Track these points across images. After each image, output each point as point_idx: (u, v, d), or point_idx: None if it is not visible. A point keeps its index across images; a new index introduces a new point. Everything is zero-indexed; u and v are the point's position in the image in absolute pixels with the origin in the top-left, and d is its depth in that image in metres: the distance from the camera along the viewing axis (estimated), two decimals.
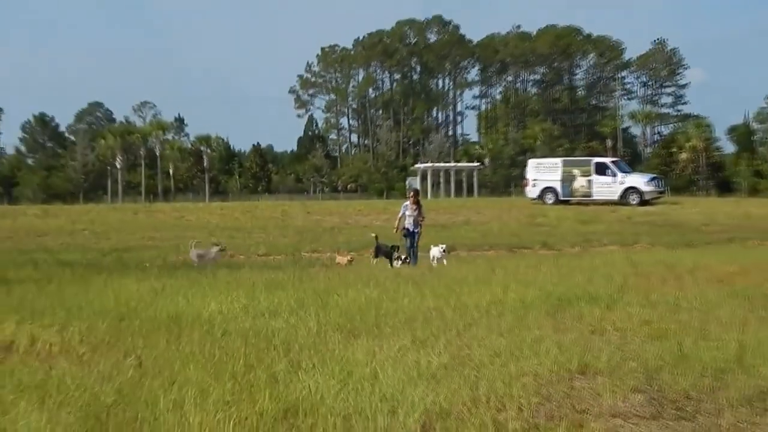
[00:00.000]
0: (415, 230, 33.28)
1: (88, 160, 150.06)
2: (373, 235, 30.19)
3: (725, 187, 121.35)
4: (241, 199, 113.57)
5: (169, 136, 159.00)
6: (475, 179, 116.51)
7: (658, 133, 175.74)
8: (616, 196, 71.75)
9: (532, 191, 76.07)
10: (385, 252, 32.18)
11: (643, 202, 70.76)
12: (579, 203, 71.00)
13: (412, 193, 35.16)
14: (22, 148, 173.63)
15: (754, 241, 41.64)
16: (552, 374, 11.95)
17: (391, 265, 27.50)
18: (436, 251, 31.62)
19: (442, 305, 18.10)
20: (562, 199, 73.25)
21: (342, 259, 31.60)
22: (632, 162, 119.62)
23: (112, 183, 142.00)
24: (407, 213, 33.41)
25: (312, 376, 11.48)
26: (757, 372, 11.76)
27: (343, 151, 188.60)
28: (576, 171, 75.89)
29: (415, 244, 33.42)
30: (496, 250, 36.33)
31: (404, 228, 33.45)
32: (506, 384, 11.13)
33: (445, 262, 30.52)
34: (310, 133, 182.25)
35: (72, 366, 12.51)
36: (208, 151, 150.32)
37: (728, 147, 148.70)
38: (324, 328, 15.59)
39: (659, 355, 12.86)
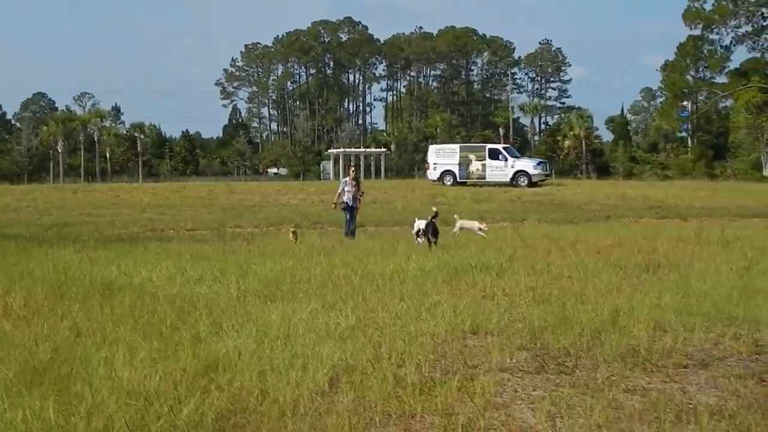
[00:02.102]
0: (354, 205, 32.21)
1: (32, 145, 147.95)
2: (434, 210, 26.52)
3: (604, 171, 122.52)
4: (172, 180, 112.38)
5: (107, 123, 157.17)
6: (382, 163, 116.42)
7: (545, 122, 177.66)
8: (507, 179, 72.02)
9: (432, 174, 76.11)
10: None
11: (531, 184, 71.11)
12: (474, 185, 71.15)
13: (351, 170, 34.38)
14: None
15: (629, 219, 42.09)
16: (447, 334, 11.99)
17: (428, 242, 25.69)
18: (473, 225, 30.13)
19: (350, 274, 18.10)
20: (459, 181, 73.34)
21: (291, 234, 29.69)
22: (522, 148, 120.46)
23: (54, 165, 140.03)
24: (346, 189, 32.28)
25: (231, 337, 11.40)
26: (629, 332, 11.89)
27: (264, 137, 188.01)
28: (472, 156, 76.07)
29: (354, 217, 32.41)
30: (401, 226, 36.26)
31: (343, 203, 32.32)
32: (406, 343, 11.13)
33: (483, 234, 29.09)
34: (234, 121, 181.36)
35: (13, 327, 12.31)
36: (142, 137, 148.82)
37: (606, 135, 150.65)
38: (244, 293, 15.54)
39: (543, 317, 12.95)
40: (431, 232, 25.28)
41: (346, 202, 32.05)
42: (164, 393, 8.63)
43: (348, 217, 32.18)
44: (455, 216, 30.44)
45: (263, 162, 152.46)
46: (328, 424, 7.86)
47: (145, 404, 8.24)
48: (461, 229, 29.74)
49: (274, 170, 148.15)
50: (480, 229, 29.09)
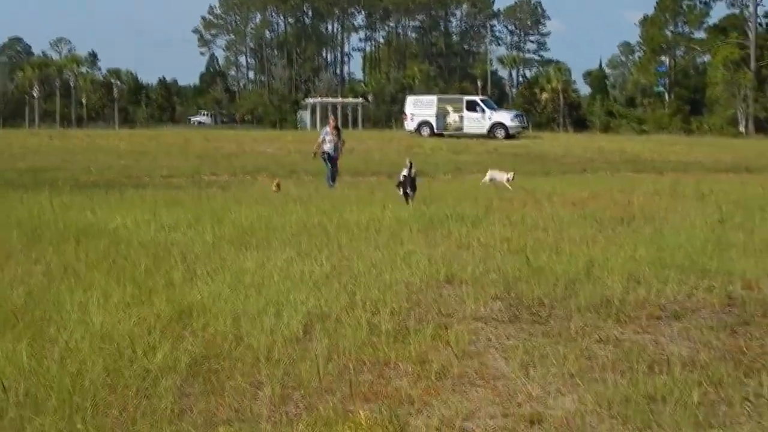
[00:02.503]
0: (335, 154, 31.69)
1: (8, 90, 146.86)
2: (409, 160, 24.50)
3: (581, 125, 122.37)
4: (148, 128, 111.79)
5: (83, 70, 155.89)
6: (359, 114, 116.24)
7: (523, 75, 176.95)
8: (484, 131, 72.00)
9: (410, 125, 75.96)
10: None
11: (509, 136, 71.14)
12: (451, 136, 71.07)
13: (331, 118, 33.89)
14: None
15: (605, 172, 42.19)
16: (422, 283, 12.00)
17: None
18: (501, 175, 29.72)
19: (326, 222, 18.08)
20: (436, 132, 73.27)
21: (274, 185, 28.96)
22: (500, 101, 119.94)
23: (30, 111, 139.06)
24: (327, 138, 31.74)
25: (206, 283, 11.39)
26: (603, 283, 11.92)
27: (241, 86, 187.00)
28: (449, 107, 75.98)
29: (336, 167, 31.93)
30: (378, 177, 36.25)
31: (324, 152, 31.78)
32: (381, 291, 11.14)
33: (508, 186, 28.68)
34: (211, 69, 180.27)
35: None
36: (118, 83, 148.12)
37: (584, 89, 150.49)
38: (218, 240, 15.51)
39: (518, 267, 12.96)
40: (409, 185, 23.23)
41: (327, 152, 31.52)
42: (138, 338, 8.62)
43: (329, 166, 31.74)
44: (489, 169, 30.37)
45: (240, 110, 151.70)
46: (302, 371, 7.86)
47: (118, 349, 8.22)
48: (491, 180, 29.46)
49: (198, 118, 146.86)
50: (507, 180, 28.84)
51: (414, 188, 23.29)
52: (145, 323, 9.18)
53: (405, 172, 23.37)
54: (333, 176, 31.56)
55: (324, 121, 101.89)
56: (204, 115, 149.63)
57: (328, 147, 31.45)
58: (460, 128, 73.69)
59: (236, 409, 7.05)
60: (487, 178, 29.59)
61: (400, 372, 8.11)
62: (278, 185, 28.71)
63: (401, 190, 23.36)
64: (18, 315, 9.36)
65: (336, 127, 32.40)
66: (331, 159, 31.56)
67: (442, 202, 22.59)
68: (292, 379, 7.72)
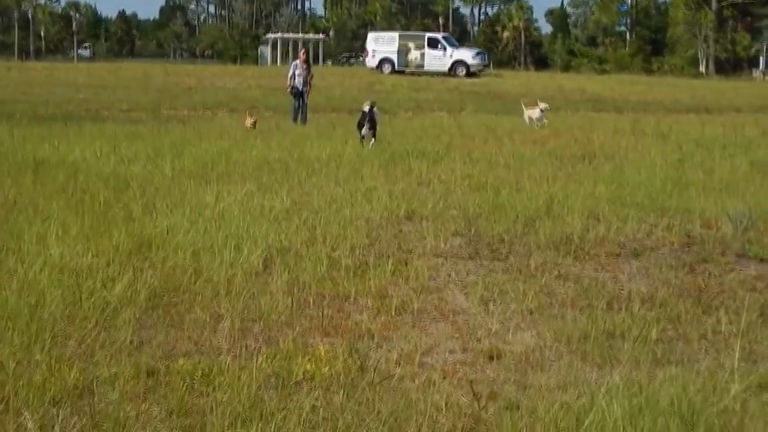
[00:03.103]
0: (304, 89, 30.59)
1: None
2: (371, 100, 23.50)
3: (542, 63, 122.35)
4: (107, 61, 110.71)
5: (41, 1, 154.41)
6: (320, 50, 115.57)
7: (485, 13, 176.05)
8: (445, 68, 71.73)
9: (371, 61, 75.62)
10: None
11: (470, 74, 70.94)
12: (413, 73, 70.84)
13: (302, 52, 33.12)
14: None
15: (565, 111, 42.17)
16: (382, 219, 12.02)
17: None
18: (535, 112, 28.41)
19: (286, 157, 18.03)
20: (398, 69, 73.00)
21: (247, 122, 26.93)
22: (461, 39, 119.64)
23: None
24: (297, 72, 30.70)
25: (165, 216, 11.32)
26: (562, 220, 11.99)
27: (202, 20, 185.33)
28: (411, 44, 75.61)
29: (305, 102, 30.93)
30: (338, 113, 36.09)
31: (293, 87, 30.81)
32: (341, 227, 11.14)
33: (545, 121, 28.04)
34: (171, 3, 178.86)
35: None
36: (77, 16, 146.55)
37: (546, 28, 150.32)
38: (178, 174, 15.41)
39: (478, 204, 12.99)
40: (368, 123, 21.47)
41: (296, 87, 30.70)
42: (97, 270, 8.57)
43: (297, 102, 30.94)
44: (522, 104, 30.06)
45: (200, 45, 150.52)
46: (262, 304, 7.86)
47: (77, 281, 8.16)
48: (529, 119, 28.57)
49: (81, 51, 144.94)
50: (542, 111, 28.28)
51: (374, 127, 21.65)
52: (104, 256, 9.12)
53: (366, 108, 21.97)
54: (303, 112, 30.81)
55: (285, 57, 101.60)
56: (86, 48, 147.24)
57: (297, 81, 30.62)
58: (422, 66, 73.44)
59: (196, 341, 7.04)
60: (525, 117, 28.81)
61: (359, 306, 8.13)
62: (254, 123, 26.87)
63: (359, 130, 21.72)
64: None
65: (306, 61, 31.54)
66: (300, 93, 30.73)
67: (403, 139, 22.53)
68: (252, 312, 7.72)
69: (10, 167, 15.60)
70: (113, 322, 7.23)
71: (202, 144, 20.16)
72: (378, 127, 22.00)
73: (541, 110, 28.07)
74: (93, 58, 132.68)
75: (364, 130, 21.40)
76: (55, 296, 7.61)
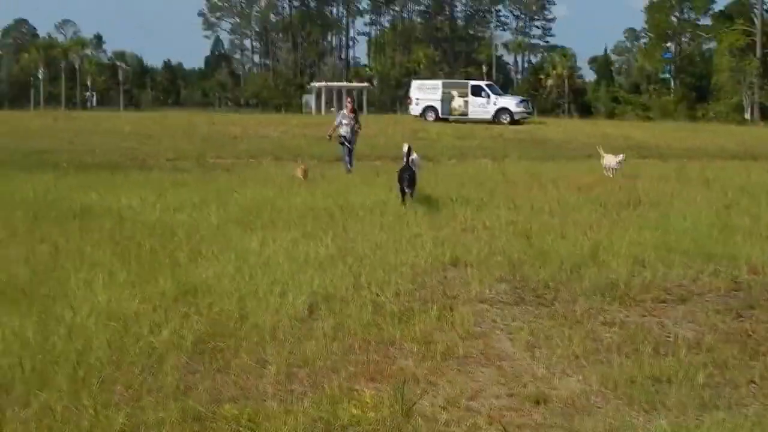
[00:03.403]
0: (352, 138, 29.95)
1: (13, 72, 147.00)
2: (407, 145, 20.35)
3: (586, 111, 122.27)
4: (153, 110, 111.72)
5: (88, 52, 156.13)
6: (364, 98, 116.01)
7: (528, 61, 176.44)
8: (489, 116, 71.69)
9: (415, 109, 75.64)
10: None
11: (514, 122, 70.81)
12: (456, 121, 70.91)
13: (349, 100, 32.70)
14: None
15: None
16: (427, 265, 12.03)
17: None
18: (612, 161, 27.46)
19: (331, 205, 18.09)
20: (441, 116, 73.07)
21: (297, 171, 25.71)
22: (505, 86, 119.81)
23: (35, 93, 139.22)
24: (344, 122, 30.03)
25: (211, 263, 11.40)
26: (608, 267, 11.95)
27: (246, 70, 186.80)
28: (454, 92, 75.71)
29: (352, 152, 30.17)
30: (382, 160, 36.17)
31: (341, 136, 30.06)
32: (386, 272, 11.17)
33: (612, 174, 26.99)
34: (216, 52, 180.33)
35: None
36: (123, 66, 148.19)
37: (589, 75, 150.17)
38: (224, 221, 15.51)
39: (523, 250, 12.97)
40: (407, 180, 18.90)
41: (344, 136, 30.02)
42: (144, 316, 8.65)
43: (345, 151, 30.25)
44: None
45: (245, 95, 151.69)
46: (308, 349, 7.88)
47: (124, 326, 8.24)
48: (607, 167, 27.57)
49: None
50: (619, 163, 27.36)
51: (413, 182, 18.98)
52: (150, 302, 9.21)
53: (405, 149, 19.61)
54: (350, 160, 30.19)
55: (329, 105, 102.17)
56: (92, 95, 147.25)
57: (344, 130, 30.00)
58: (465, 113, 73.45)
59: (242, 387, 7.08)
60: (605, 165, 27.77)
61: (405, 352, 8.13)
62: (305, 172, 25.65)
63: (399, 184, 19.12)
64: (24, 292, 9.37)
65: (353, 110, 31.09)
66: (348, 141, 30.08)
67: (447, 186, 22.55)
68: (297, 357, 7.74)
69: (57, 215, 15.79)
70: (160, 368, 7.29)
71: (247, 192, 20.27)
72: (416, 179, 19.34)
73: (618, 162, 27.32)
74: (95, 107, 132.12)
75: (406, 187, 18.85)
76: (102, 341, 7.69)
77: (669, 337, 8.78)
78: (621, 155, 27.79)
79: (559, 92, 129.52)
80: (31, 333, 7.82)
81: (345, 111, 30.63)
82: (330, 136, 30.91)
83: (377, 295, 10.00)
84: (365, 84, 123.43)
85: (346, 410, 6.48)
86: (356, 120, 30.20)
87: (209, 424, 6.20)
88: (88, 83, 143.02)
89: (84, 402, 6.42)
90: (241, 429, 6.12)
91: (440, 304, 9.76)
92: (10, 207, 16.62)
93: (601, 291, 10.61)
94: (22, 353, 7.29)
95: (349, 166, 29.81)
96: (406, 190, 18.86)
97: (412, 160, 19.60)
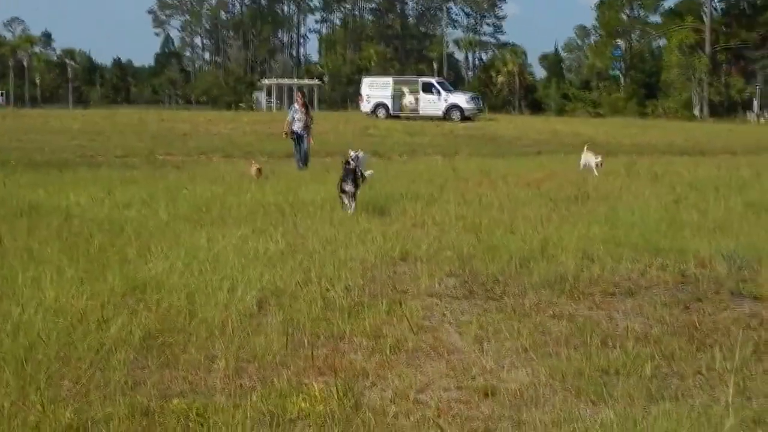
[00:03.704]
0: (303, 133, 29.80)
1: None
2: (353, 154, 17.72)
3: (536, 107, 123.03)
4: (102, 107, 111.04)
5: (37, 50, 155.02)
6: (315, 95, 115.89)
7: (479, 58, 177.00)
8: (440, 113, 71.96)
9: (366, 106, 75.82)
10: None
11: (464, 118, 71.12)
12: (407, 118, 71.04)
13: (299, 96, 32.09)
14: None
15: (559, 154, 42.26)
16: (377, 260, 12.05)
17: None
18: (592, 160, 26.68)
19: (281, 201, 18.07)
20: (392, 113, 73.26)
21: (251, 169, 25.10)
22: (456, 83, 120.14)
23: None
24: (296, 116, 29.94)
25: (160, 259, 11.35)
26: (557, 261, 12.03)
27: (197, 67, 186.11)
28: (405, 89, 76.05)
29: (305, 148, 30.06)
30: (332, 157, 36.09)
31: (293, 132, 29.95)
32: (336, 268, 11.18)
33: (595, 173, 26.00)
34: (166, 50, 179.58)
35: None
36: (73, 63, 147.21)
37: (540, 72, 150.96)
38: (173, 218, 15.46)
39: (472, 245, 13.03)
40: (350, 182, 16.85)
41: (296, 131, 29.97)
42: (92, 312, 8.60)
43: (296, 146, 30.31)
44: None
45: (195, 92, 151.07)
46: (257, 344, 7.88)
47: (72, 323, 8.20)
48: (585, 164, 27.10)
49: None
50: (597, 165, 26.51)
51: (355, 185, 16.92)
52: (99, 298, 9.15)
53: (352, 155, 17.30)
54: (303, 157, 30.15)
55: (282, 102, 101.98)
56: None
57: (297, 126, 29.90)
58: (416, 110, 73.69)
59: (190, 381, 7.06)
60: (582, 161, 27.39)
61: (354, 346, 8.15)
62: (259, 170, 25.03)
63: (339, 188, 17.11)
64: None
65: (304, 104, 30.83)
66: (299, 138, 30.08)
67: (398, 182, 22.60)
68: (246, 352, 7.74)
69: (5, 213, 15.65)
70: (108, 363, 7.25)
71: (197, 188, 20.21)
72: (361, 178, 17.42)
73: (597, 163, 26.57)
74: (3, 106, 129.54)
75: (347, 187, 16.78)
76: (49, 338, 7.63)
77: (617, 329, 8.85)
78: (600, 158, 27.20)
79: (509, 89, 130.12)
80: None
81: (296, 105, 30.38)
82: (286, 133, 30.58)
83: (327, 290, 10.01)
84: (316, 81, 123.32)
85: (295, 404, 6.49)
86: (308, 114, 30.01)
87: (158, 419, 6.18)
88: (37, 81, 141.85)
89: (32, 398, 6.38)
90: (190, 423, 6.11)
91: (390, 298, 9.78)
92: None
93: (550, 285, 10.68)
94: None
95: (300, 163, 29.67)
96: (346, 189, 16.67)
97: (357, 157, 17.35)
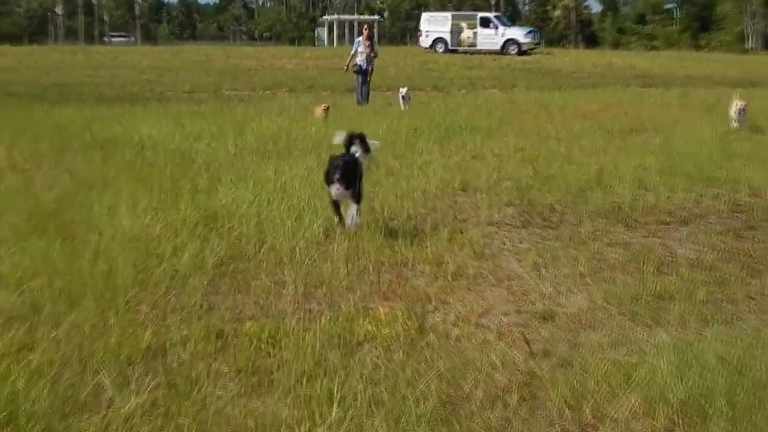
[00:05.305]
0: (367, 67, 29.17)
1: (32, 7, 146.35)
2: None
3: (592, 41, 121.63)
4: (169, 44, 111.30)
5: None
6: (375, 30, 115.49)
7: None
8: (498, 47, 71.42)
9: (425, 41, 75.46)
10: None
11: (521, 53, 70.60)
12: (465, 52, 70.60)
13: (365, 28, 31.44)
14: None
15: (615, 86, 41.89)
16: (438, 191, 12.09)
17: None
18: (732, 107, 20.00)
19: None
20: (450, 48, 72.86)
21: (318, 110, 23.09)
22: (513, 18, 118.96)
23: (54, 28, 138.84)
24: (359, 49, 29.21)
25: (230, 189, 11.46)
26: (612, 191, 12.03)
27: (260, 4, 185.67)
28: (463, 24, 75.42)
29: (367, 81, 29.47)
30: (393, 91, 36.06)
31: (356, 65, 29.31)
32: (398, 197, 11.23)
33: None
34: None
35: (17, 179, 12.33)
36: (140, 1, 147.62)
37: (596, 6, 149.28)
38: (240, 150, 15.56)
39: (530, 176, 13.04)
40: (339, 172, 9.34)
41: (359, 65, 29.31)
42: (166, 239, 8.73)
43: (360, 80, 29.60)
44: None
45: (259, 28, 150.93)
46: (324, 271, 7.97)
47: (147, 250, 8.34)
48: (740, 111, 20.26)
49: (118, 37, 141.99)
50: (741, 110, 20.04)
51: (351, 178, 9.47)
52: (172, 227, 9.28)
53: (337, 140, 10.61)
54: (364, 93, 29.55)
55: (341, 39, 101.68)
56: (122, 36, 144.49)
57: (359, 59, 29.26)
58: (474, 44, 73.13)
59: (261, 306, 7.17)
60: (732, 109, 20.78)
61: (417, 272, 8.22)
62: (326, 110, 22.96)
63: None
64: (50, 219, 9.44)
65: (369, 37, 30.14)
66: (363, 72, 29.43)
67: (457, 115, 22.55)
68: (314, 278, 7.83)
69: (80, 146, 15.83)
70: (183, 288, 7.38)
71: (263, 121, 20.28)
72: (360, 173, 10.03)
73: (738, 110, 20.47)
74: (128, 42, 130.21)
75: (334, 188, 9.47)
76: (126, 264, 7.76)
77: (671, 256, 8.85)
78: (741, 103, 20.86)
79: (566, 23, 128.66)
80: (58, 256, 7.90)
81: (361, 38, 29.94)
82: (347, 67, 30.10)
83: (391, 218, 10.08)
84: (376, 17, 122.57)
85: (361, 327, 6.58)
86: (372, 48, 29.69)
87: (232, 341, 6.29)
88: (105, 18, 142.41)
89: (111, 321, 6.52)
90: (262, 345, 6.21)
91: (451, 227, 9.82)
92: (35, 138, 16.65)
93: (606, 214, 10.69)
94: (51, 275, 7.38)
95: (359, 97, 29.44)
96: (335, 190, 9.45)
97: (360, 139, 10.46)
